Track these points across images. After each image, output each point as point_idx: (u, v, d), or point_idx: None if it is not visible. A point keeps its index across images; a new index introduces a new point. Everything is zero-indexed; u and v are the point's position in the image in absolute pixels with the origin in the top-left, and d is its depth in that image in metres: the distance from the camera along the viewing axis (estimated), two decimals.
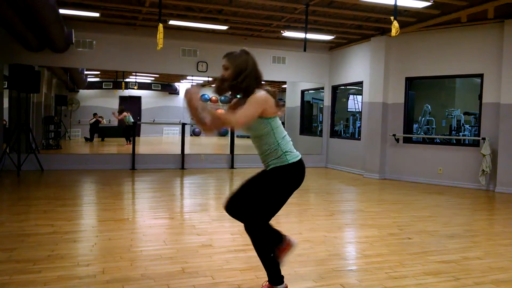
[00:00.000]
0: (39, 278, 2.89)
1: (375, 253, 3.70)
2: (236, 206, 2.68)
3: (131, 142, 9.47)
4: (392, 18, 5.12)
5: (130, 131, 12.02)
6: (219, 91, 2.61)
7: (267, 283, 2.70)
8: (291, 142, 2.65)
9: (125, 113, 13.21)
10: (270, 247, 2.63)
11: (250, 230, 2.58)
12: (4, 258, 3.25)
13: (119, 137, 13.48)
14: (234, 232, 4.16)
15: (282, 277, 2.67)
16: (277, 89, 2.46)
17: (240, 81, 2.51)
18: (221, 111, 2.47)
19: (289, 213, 5.10)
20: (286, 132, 2.65)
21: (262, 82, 2.58)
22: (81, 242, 3.84)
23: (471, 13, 7.08)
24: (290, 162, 2.55)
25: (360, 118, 9.85)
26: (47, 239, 3.79)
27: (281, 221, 4.67)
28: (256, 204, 2.56)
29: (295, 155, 2.59)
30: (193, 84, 2.38)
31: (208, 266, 3.22)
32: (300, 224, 4.67)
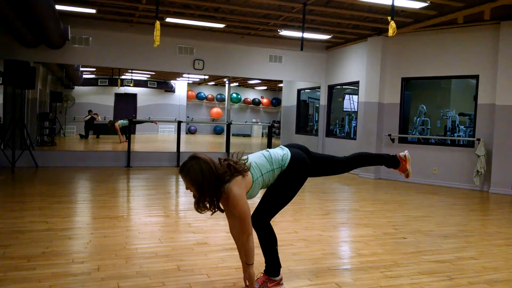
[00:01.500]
0: (34, 275, 2.88)
1: (370, 252, 3.71)
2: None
3: (127, 140, 9.45)
4: (389, 18, 5.13)
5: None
6: (203, 209, 2.59)
7: (263, 274, 2.79)
8: (277, 149, 2.78)
9: (117, 123, 13.17)
10: (275, 239, 2.76)
11: (258, 225, 2.70)
12: None
13: (114, 134, 13.44)
14: (229, 230, 4.15)
15: (280, 269, 2.79)
16: (240, 153, 2.53)
17: (207, 192, 2.50)
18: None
19: (285, 212, 5.10)
20: (264, 154, 2.74)
21: (222, 172, 2.52)
22: (76, 239, 3.83)
23: (468, 15, 7.11)
24: (286, 164, 2.69)
25: (356, 118, 9.88)
26: (42, 236, 3.77)
27: (277, 220, 4.67)
28: (266, 202, 2.73)
29: (286, 156, 2.71)
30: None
31: (204, 264, 3.22)
32: (295, 223, 4.68)
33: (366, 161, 3.17)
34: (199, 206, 2.57)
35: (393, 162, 3.21)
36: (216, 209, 2.62)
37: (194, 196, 2.59)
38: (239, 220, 2.55)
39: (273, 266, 2.76)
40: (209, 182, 2.47)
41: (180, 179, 8.37)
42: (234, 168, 2.53)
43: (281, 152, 2.74)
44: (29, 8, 5.76)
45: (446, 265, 3.42)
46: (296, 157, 2.73)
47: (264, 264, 2.82)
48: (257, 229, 2.71)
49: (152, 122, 14.52)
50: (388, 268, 3.31)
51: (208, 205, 2.57)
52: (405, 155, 3.21)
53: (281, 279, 2.81)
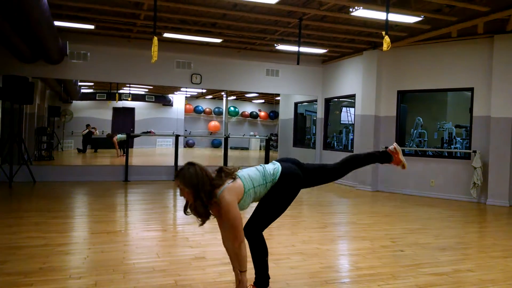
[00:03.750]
0: None
1: (367, 265, 3.71)
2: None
3: (124, 154, 9.45)
4: (383, 33, 5.20)
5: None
6: (201, 215, 2.68)
7: (252, 286, 2.83)
8: (269, 165, 2.86)
9: (115, 137, 13.29)
10: (266, 251, 2.82)
11: (250, 236, 2.76)
12: None
13: (112, 148, 13.46)
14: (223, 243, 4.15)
15: (269, 280, 2.85)
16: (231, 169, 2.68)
17: (201, 193, 2.60)
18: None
19: (282, 225, 5.11)
20: (258, 168, 2.83)
21: (215, 176, 2.69)
22: (73, 254, 3.82)
23: (461, 28, 7.21)
24: (277, 178, 2.78)
25: (353, 130, 9.93)
26: (39, 252, 3.77)
27: (274, 233, 4.68)
28: (258, 213, 2.79)
29: (277, 170, 2.80)
30: None
31: (201, 279, 3.22)
32: (293, 236, 4.67)
33: (358, 163, 3.17)
34: (199, 210, 2.64)
35: (385, 157, 3.21)
36: (205, 217, 2.69)
37: (186, 208, 2.73)
38: (230, 227, 2.62)
39: (262, 277, 2.82)
40: (203, 185, 2.59)
41: (178, 192, 8.34)
42: (224, 171, 2.69)
43: (272, 167, 2.84)
44: (28, 24, 5.82)
45: (443, 278, 3.43)
46: (286, 170, 2.81)
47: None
48: (249, 240, 2.77)
49: (149, 132, 14.56)
50: (386, 281, 3.31)
51: (200, 210, 2.64)
52: (394, 147, 3.21)
53: None
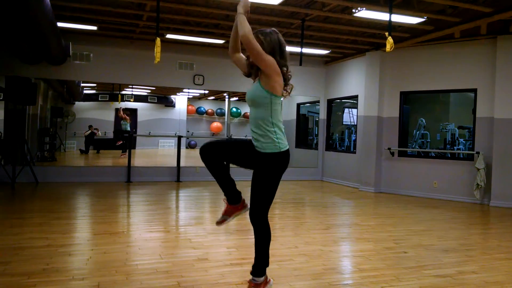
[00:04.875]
0: None
1: (371, 267, 3.70)
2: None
3: (126, 153, 9.47)
4: (386, 34, 5.19)
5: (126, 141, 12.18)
6: (251, 67, 2.90)
7: (249, 281, 2.87)
8: (285, 134, 2.88)
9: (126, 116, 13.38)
10: (269, 237, 2.84)
11: (255, 220, 2.79)
12: None
13: (114, 149, 13.47)
14: (229, 246, 4.15)
15: (266, 268, 2.87)
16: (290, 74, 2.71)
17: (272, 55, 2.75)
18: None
19: (285, 227, 5.10)
20: (282, 123, 2.86)
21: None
22: (76, 255, 3.82)
23: (464, 29, 7.20)
24: (282, 150, 2.78)
25: (355, 131, 9.91)
26: (42, 252, 3.76)
27: (277, 235, 4.66)
28: (259, 195, 2.79)
29: (286, 143, 2.83)
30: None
31: (204, 280, 3.21)
32: (296, 238, 4.66)
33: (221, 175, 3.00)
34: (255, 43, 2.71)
35: (235, 198, 3.01)
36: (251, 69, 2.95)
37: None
38: (246, 31, 2.69)
39: (261, 264, 2.84)
40: (277, 50, 2.86)
41: (181, 190, 8.39)
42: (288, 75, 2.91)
43: (284, 137, 2.85)
44: (31, 25, 5.83)
45: (447, 280, 3.41)
46: (288, 152, 2.85)
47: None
48: (255, 225, 2.80)
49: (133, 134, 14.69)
50: (389, 283, 3.30)
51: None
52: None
53: (266, 277, 2.87)
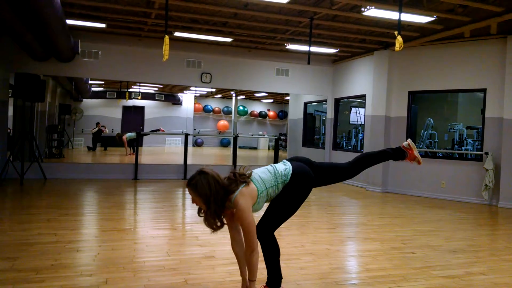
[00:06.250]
0: (42, 287, 2.89)
1: (378, 267, 3.68)
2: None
3: (134, 152, 9.50)
4: (396, 33, 5.15)
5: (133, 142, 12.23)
6: (213, 225, 2.65)
7: (265, 286, 2.83)
8: (280, 164, 2.82)
9: (124, 136, 13.38)
10: (278, 251, 2.80)
11: (262, 236, 2.74)
12: (7, 267, 3.25)
13: (121, 146, 13.52)
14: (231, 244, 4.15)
15: (281, 280, 2.85)
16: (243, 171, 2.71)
17: (213, 205, 2.56)
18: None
19: (292, 226, 5.09)
20: (268, 168, 2.80)
21: (228, 184, 2.61)
22: (84, 251, 3.84)
23: (474, 29, 7.13)
24: (289, 178, 2.75)
25: (363, 131, 9.87)
26: (50, 248, 3.79)
27: (283, 233, 4.66)
28: (270, 213, 2.77)
29: (288, 170, 2.76)
30: None
31: (211, 278, 3.22)
32: (302, 237, 4.66)
33: (371, 161, 3.13)
34: (209, 220, 2.61)
35: (399, 154, 3.17)
36: (220, 224, 2.65)
37: (200, 211, 2.68)
38: (244, 233, 2.59)
39: (274, 278, 2.81)
40: (216, 195, 2.54)
41: (187, 192, 8.35)
42: (238, 174, 2.62)
43: (283, 167, 2.80)
44: (40, 23, 5.87)
45: (455, 281, 3.39)
46: (297, 170, 2.78)
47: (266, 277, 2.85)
48: (261, 240, 2.76)
49: (158, 130, 14.64)
50: (397, 283, 3.28)
51: (212, 219, 2.61)
52: (408, 144, 3.17)
53: None
